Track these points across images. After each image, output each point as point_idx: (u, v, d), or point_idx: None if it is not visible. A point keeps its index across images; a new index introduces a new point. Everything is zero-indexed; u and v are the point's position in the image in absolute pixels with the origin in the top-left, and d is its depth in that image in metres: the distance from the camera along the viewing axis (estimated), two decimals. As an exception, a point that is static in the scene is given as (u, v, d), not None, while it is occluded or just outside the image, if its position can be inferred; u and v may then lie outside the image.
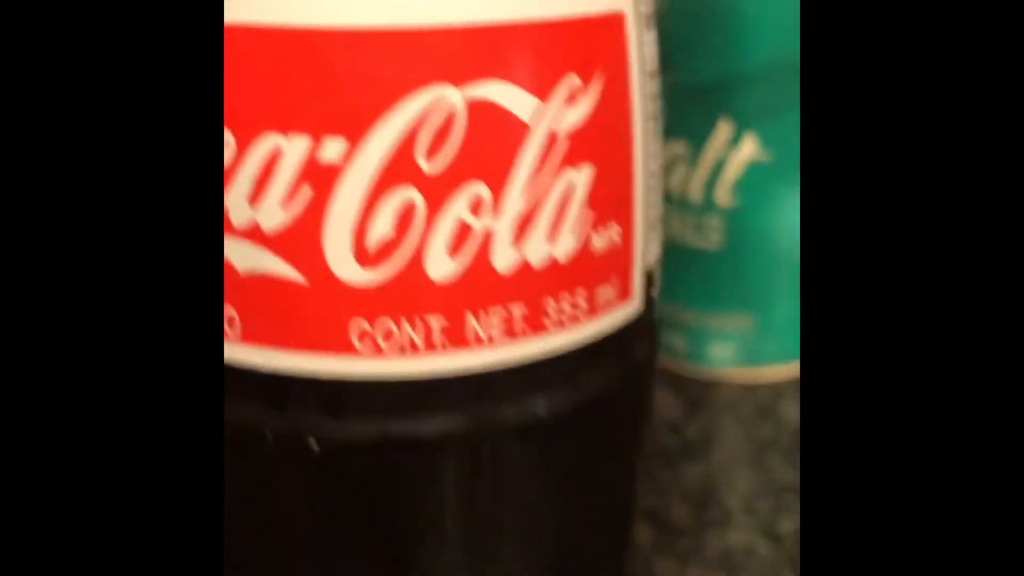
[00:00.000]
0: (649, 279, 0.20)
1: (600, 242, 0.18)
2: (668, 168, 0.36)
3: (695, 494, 0.33)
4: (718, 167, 0.35)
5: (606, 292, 0.19)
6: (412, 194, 0.17)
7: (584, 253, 0.18)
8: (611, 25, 0.17)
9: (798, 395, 0.38)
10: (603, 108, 0.18)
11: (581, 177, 0.18)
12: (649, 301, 0.20)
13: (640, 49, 0.18)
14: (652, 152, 0.19)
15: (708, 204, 0.36)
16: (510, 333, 0.18)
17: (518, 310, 0.18)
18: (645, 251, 0.19)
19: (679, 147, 0.35)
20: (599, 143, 0.18)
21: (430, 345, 0.17)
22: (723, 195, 0.35)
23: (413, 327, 0.17)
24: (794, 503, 0.32)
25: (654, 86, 0.18)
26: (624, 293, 0.19)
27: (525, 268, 0.18)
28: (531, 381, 0.19)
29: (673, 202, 0.36)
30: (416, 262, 0.17)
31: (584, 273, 0.18)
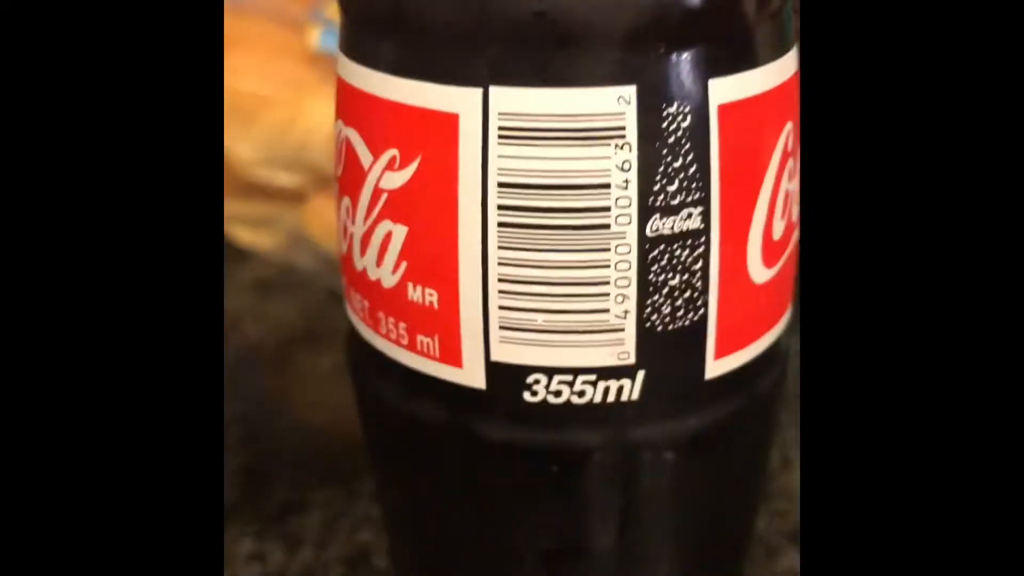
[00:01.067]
0: (514, 378, 0.20)
1: (414, 296, 0.20)
2: None
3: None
4: None
5: (425, 341, 0.20)
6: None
7: (394, 294, 0.20)
8: (439, 120, 0.19)
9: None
10: (417, 187, 0.19)
11: (398, 231, 0.20)
12: (502, 390, 0.20)
13: (482, 153, 0.19)
14: (520, 260, 0.19)
15: None
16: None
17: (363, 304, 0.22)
18: (500, 345, 0.20)
19: None
20: (415, 213, 0.20)
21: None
22: None
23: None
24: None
25: (527, 199, 0.19)
26: (450, 357, 0.20)
27: (365, 277, 0.21)
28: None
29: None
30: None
31: (399, 309, 0.21)
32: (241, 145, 0.41)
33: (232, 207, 0.42)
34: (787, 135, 0.20)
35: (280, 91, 0.41)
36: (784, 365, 0.23)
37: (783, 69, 0.20)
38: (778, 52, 0.20)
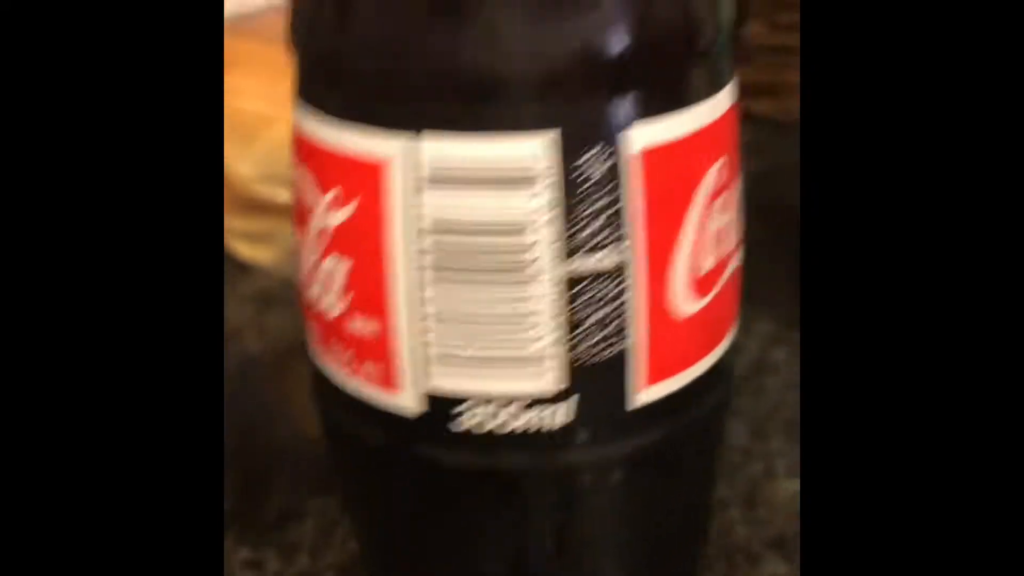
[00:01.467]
0: (448, 405, 0.21)
1: (356, 326, 0.21)
2: None
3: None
4: None
5: (368, 369, 0.21)
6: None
7: (340, 323, 0.22)
8: (371, 166, 0.20)
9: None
10: (356, 225, 0.21)
11: (342, 265, 0.21)
12: (438, 417, 0.21)
13: (412, 197, 0.20)
14: (450, 297, 0.20)
15: None
16: None
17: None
18: (433, 374, 0.21)
19: None
20: (354, 249, 0.21)
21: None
22: None
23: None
24: None
25: (454, 241, 0.20)
26: (389, 385, 0.21)
27: (316, 306, 0.22)
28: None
29: None
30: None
31: (345, 338, 0.22)
32: (242, 163, 0.42)
33: (233, 223, 0.44)
34: (717, 170, 0.21)
35: (280, 110, 0.42)
36: (728, 384, 0.24)
37: (715, 108, 0.21)
38: (710, 91, 0.21)
